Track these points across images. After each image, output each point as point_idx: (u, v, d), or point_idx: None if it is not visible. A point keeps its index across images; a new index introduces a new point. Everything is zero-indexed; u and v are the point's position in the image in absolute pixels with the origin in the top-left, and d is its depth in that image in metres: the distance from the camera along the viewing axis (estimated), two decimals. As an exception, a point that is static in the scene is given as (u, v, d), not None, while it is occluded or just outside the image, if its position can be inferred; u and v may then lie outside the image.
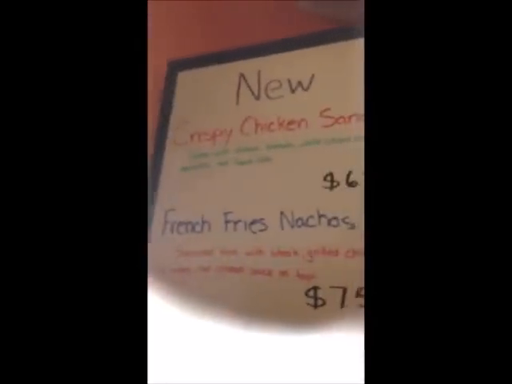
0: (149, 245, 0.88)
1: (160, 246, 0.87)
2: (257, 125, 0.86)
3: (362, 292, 0.66)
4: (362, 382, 0.38)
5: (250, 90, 0.89)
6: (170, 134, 0.95)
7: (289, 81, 0.85)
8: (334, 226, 0.72)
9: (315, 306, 0.69)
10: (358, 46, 0.77)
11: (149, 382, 0.42)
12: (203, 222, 0.84)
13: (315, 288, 0.70)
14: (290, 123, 0.82)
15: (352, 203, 0.71)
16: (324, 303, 0.68)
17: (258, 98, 0.88)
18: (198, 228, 0.84)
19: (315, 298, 0.69)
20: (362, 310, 0.66)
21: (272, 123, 0.84)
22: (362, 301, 0.66)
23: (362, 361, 0.38)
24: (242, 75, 0.91)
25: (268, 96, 0.87)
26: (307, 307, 0.69)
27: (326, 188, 0.74)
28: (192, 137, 0.92)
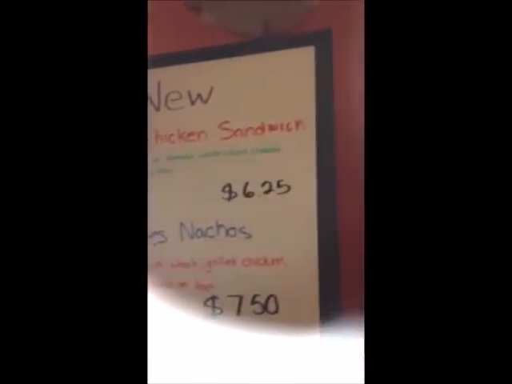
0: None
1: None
2: (157, 136, 0.87)
3: (257, 299, 0.70)
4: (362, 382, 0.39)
5: (151, 100, 0.90)
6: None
7: (189, 92, 0.87)
8: (232, 236, 0.74)
9: (213, 314, 0.71)
10: (256, 60, 0.81)
11: (149, 382, 0.41)
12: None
13: (213, 298, 0.72)
14: (189, 135, 0.84)
15: (248, 213, 0.74)
16: (221, 312, 0.71)
17: (158, 108, 0.89)
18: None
19: (213, 307, 0.71)
20: (257, 316, 0.69)
21: (172, 134, 0.86)
22: (257, 308, 0.69)
23: (362, 362, 0.39)
24: (142, 85, 0.92)
25: (168, 107, 0.88)
26: (205, 317, 0.71)
27: (224, 199, 0.77)
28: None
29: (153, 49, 0.92)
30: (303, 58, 0.77)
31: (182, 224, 0.79)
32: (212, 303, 0.72)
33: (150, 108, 0.89)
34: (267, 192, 0.74)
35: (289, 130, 0.75)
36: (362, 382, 0.38)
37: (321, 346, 0.65)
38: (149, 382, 0.42)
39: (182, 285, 0.75)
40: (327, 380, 0.62)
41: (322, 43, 0.76)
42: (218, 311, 0.71)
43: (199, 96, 0.86)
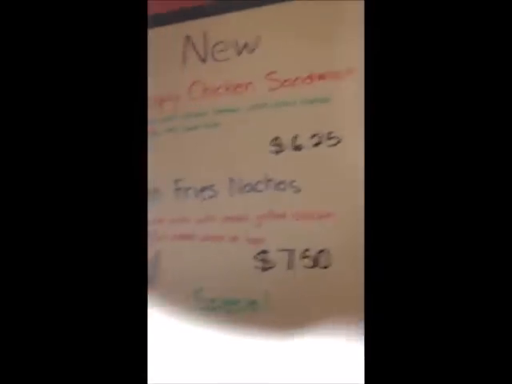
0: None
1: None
2: (204, 89, 0.86)
3: (308, 253, 0.70)
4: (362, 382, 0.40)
5: (197, 52, 0.89)
6: (116, 100, 0.94)
7: (235, 42, 0.85)
8: (281, 190, 0.74)
9: (263, 268, 0.72)
10: (303, 6, 0.77)
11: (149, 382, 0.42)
12: (154, 191, 0.85)
13: (264, 252, 0.73)
14: (236, 87, 0.83)
15: (298, 167, 0.73)
16: (272, 266, 0.71)
17: (204, 60, 0.88)
18: (148, 197, 0.85)
19: (263, 260, 0.72)
20: (308, 270, 0.70)
21: (219, 87, 0.85)
22: (307, 262, 0.70)
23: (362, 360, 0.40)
24: (187, 37, 0.90)
25: (215, 59, 0.87)
26: (256, 270, 0.73)
27: (272, 152, 0.76)
28: (139, 103, 0.91)
29: (197, -2, 0.90)
30: (353, 5, 0.72)
31: (231, 179, 0.79)
32: (262, 257, 0.72)
33: (196, 60, 0.88)
34: (317, 145, 0.73)
35: (339, 78, 0.72)
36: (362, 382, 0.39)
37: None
38: (149, 382, 0.42)
39: (234, 239, 0.76)
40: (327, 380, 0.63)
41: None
42: (268, 265, 0.72)
43: (246, 46, 0.84)
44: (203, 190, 0.81)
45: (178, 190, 0.84)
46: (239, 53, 0.84)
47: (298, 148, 0.74)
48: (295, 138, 0.75)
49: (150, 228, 0.83)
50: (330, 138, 0.72)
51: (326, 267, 0.69)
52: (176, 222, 0.82)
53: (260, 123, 0.79)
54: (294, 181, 0.73)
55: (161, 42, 0.92)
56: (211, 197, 0.80)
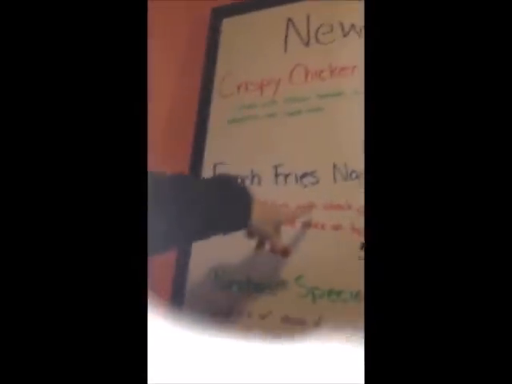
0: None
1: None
2: (306, 73, 0.85)
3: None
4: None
5: (299, 35, 0.87)
6: (216, 85, 0.95)
7: (341, 24, 0.82)
8: (391, 179, 0.71)
9: (370, 260, 0.70)
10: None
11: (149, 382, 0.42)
12: (253, 176, 0.86)
13: (370, 242, 0.70)
14: (342, 70, 0.80)
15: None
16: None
17: (307, 44, 0.86)
18: (247, 181, 0.86)
19: (370, 252, 0.70)
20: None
21: (323, 71, 0.83)
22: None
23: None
24: (289, 20, 0.89)
25: (318, 41, 0.85)
26: (360, 262, 0.70)
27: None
28: (239, 87, 0.92)
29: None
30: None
31: (334, 165, 0.77)
32: (369, 248, 0.70)
33: (298, 43, 0.87)
34: (432, 131, 0.69)
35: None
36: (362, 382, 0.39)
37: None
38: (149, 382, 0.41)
39: (336, 227, 0.74)
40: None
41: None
42: (375, 256, 0.69)
43: (353, 27, 0.81)
44: (304, 176, 0.80)
45: (277, 175, 0.83)
46: (345, 34, 0.82)
47: (409, 134, 0.71)
48: (408, 123, 0.71)
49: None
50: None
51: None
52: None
53: (367, 108, 0.75)
54: (404, 169, 0.70)
55: (262, 26, 0.92)
56: (313, 183, 0.79)
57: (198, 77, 0.97)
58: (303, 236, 0.77)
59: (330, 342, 0.66)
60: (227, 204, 0.57)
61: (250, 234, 0.66)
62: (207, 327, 0.76)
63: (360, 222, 0.72)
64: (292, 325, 0.74)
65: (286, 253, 0.68)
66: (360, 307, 0.69)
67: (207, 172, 0.91)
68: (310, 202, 0.78)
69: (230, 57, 0.95)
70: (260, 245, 0.68)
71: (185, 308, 0.85)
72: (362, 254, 0.71)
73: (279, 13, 0.90)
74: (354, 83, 0.78)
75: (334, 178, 0.77)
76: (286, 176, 0.82)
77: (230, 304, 0.81)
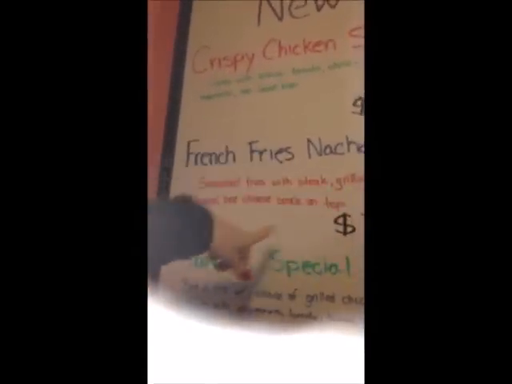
0: (172, 178, 0.91)
1: (184, 178, 0.90)
2: (280, 48, 0.85)
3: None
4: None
5: (273, 9, 0.87)
6: (189, 60, 0.94)
7: (315, -2, 0.83)
8: (364, 153, 0.72)
9: (344, 232, 0.72)
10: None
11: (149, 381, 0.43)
12: (228, 153, 0.86)
13: (344, 215, 0.72)
14: (316, 45, 0.81)
15: (383, 128, 0.71)
16: (354, 229, 0.71)
17: (281, 18, 0.86)
18: (222, 159, 0.86)
19: (344, 225, 0.72)
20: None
21: (297, 46, 0.83)
22: (392, 227, 0.68)
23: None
24: (263, -7, 0.89)
25: (292, 16, 0.85)
26: (336, 234, 0.72)
27: (356, 113, 0.74)
28: (212, 63, 0.91)
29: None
30: None
31: (309, 140, 0.78)
32: (343, 221, 0.72)
33: (272, 18, 0.87)
34: (405, 105, 0.70)
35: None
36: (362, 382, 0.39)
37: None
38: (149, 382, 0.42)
39: (311, 202, 0.76)
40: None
41: None
42: (349, 229, 0.71)
43: (326, 0, 0.81)
44: (279, 152, 0.81)
45: (252, 152, 0.84)
46: (319, 8, 0.82)
47: (383, 108, 0.72)
48: (381, 97, 0.72)
49: (223, 190, 0.84)
50: (420, 98, 0.69)
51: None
52: (251, 185, 0.82)
53: (341, 83, 0.77)
54: (378, 143, 0.71)
55: (235, 1, 0.91)
56: (288, 159, 0.80)
57: (169, 52, 0.96)
58: (268, 264, 0.77)
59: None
60: (188, 228, 0.58)
61: (213, 256, 0.65)
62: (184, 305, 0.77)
63: (334, 196, 0.74)
64: (268, 298, 0.76)
65: (247, 277, 0.68)
66: (334, 279, 0.71)
67: (181, 149, 0.91)
68: (285, 177, 0.79)
69: (202, 31, 0.94)
70: (223, 266, 0.67)
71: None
72: (338, 227, 0.72)
73: (252, -14, 0.90)
74: (329, 58, 0.79)
75: (309, 154, 0.78)
76: (261, 152, 0.83)
77: (206, 280, 0.82)
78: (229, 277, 0.79)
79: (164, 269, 0.86)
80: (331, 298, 0.71)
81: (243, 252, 0.67)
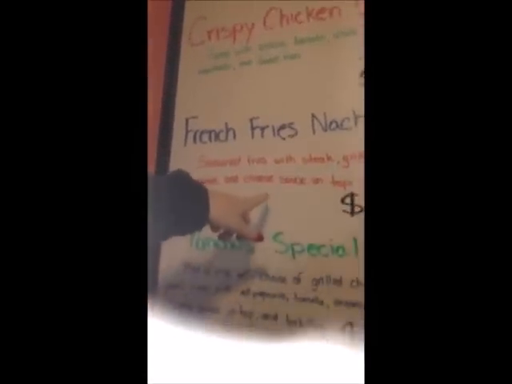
0: (171, 156, 0.88)
1: (183, 156, 0.86)
2: (282, 16, 0.80)
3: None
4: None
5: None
6: (185, 32, 0.90)
7: (317, -39, 0.77)
8: (373, 128, 0.69)
9: (352, 212, 0.68)
10: None
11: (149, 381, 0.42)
12: (228, 130, 0.82)
13: (352, 195, 0.69)
14: (320, 12, 0.76)
15: (393, 101, 0.67)
16: (362, 210, 0.68)
17: (282, -16, 0.81)
18: (222, 136, 0.83)
19: (352, 204, 0.68)
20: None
21: (299, 13, 0.78)
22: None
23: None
24: (262, -41, 0.83)
25: (294, -19, 0.80)
26: (343, 214, 0.69)
27: (362, 85, 0.70)
28: (209, 34, 0.87)
29: None
30: None
31: (313, 115, 0.74)
32: (351, 200, 0.69)
33: (272, -15, 0.82)
34: (416, 75, 0.66)
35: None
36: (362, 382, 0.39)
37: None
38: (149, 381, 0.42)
39: (317, 181, 0.72)
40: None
41: None
42: (358, 209, 0.68)
43: (331, -36, 0.76)
44: (282, 128, 0.77)
45: (254, 128, 0.80)
46: (323, -27, 0.77)
47: (392, 80, 0.68)
48: (390, 68, 0.68)
49: (224, 169, 0.81)
50: (433, 67, 0.65)
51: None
52: (252, 163, 0.79)
53: (348, 53, 0.72)
54: (387, 117, 0.68)
55: (232, -35, 0.86)
56: (291, 136, 0.76)
57: (165, 25, 0.92)
58: (266, 209, 0.75)
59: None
60: (185, 205, 0.57)
61: (214, 228, 0.64)
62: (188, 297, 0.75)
63: (341, 175, 0.70)
64: (272, 282, 0.73)
65: (259, 239, 0.67)
66: (341, 261, 0.68)
67: (179, 127, 0.87)
68: (288, 155, 0.76)
69: (199, 1, 0.89)
70: (225, 235, 0.66)
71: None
72: (345, 207, 0.69)
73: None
74: (334, 26, 0.74)
75: (313, 130, 0.74)
76: (263, 129, 0.79)
77: (207, 261, 0.79)
78: (231, 258, 0.77)
79: (164, 251, 0.84)
80: (338, 282, 0.68)
81: (244, 218, 0.66)
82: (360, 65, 0.70)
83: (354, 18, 0.72)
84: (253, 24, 0.83)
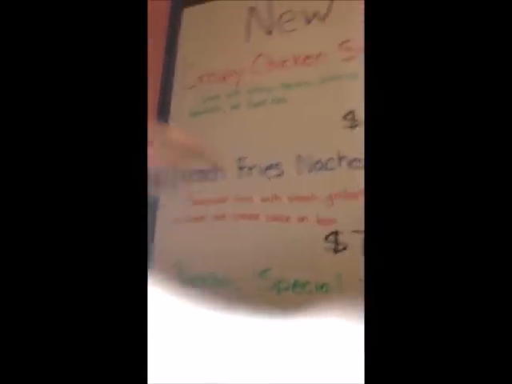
0: (161, 195, 0.89)
1: (173, 195, 0.88)
2: (270, 62, 0.84)
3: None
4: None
5: (261, 24, 0.87)
6: (177, 76, 0.94)
7: (304, 12, 0.82)
8: (356, 168, 0.71)
9: (335, 250, 0.70)
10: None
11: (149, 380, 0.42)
12: (216, 169, 0.84)
13: (336, 233, 0.70)
14: (306, 58, 0.80)
15: (374, 142, 0.70)
16: (345, 247, 0.69)
17: (270, 32, 0.86)
18: (211, 175, 0.85)
19: (336, 242, 0.70)
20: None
21: (286, 60, 0.82)
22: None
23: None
24: (251, 8, 0.88)
25: (281, 30, 0.84)
26: (327, 252, 0.70)
27: (346, 128, 0.73)
28: (201, 79, 0.91)
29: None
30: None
31: (299, 156, 0.77)
32: (334, 239, 0.70)
33: (261, 32, 0.86)
34: (396, 118, 0.69)
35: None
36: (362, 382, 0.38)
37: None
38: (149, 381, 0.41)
39: (301, 219, 0.74)
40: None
41: None
42: (341, 247, 0.69)
43: (316, 14, 0.81)
44: (268, 168, 0.79)
45: (241, 168, 0.82)
46: (308, 22, 0.81)
47: (374, 122, 0.71)
48: (372, 111, 0.71)
49: (212, 207, 0.82)
50: (411, 111, 0.68)
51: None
52: (240, 202, 0.80)
53: (332, 97, 0.76)
54: (369, 158, 0.70)
55: (224, 15, 0.91)
56: (277, 175, 0.78)
57: (158, 68, 0.96)
58: None
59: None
60: None
61: None
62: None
63: (325, 213, 0.72)
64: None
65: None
66: (325, 298, 0.68)
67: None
68: (274, 194, 0.78)
69: (191, 47, 0.94)
70: None
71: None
72: (328, 244, 0.70)
73: (241, 1, 0.89)
74: (319, 72, 0.78)
75: (299, 170, 0.76)
76: (251, 169, 0.81)
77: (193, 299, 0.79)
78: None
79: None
80: (323, 320, 0.68)
81: None
82: (344, 107, 0.74)
83: (339, 63, 0.76)
84: (242, 70, 0.87)
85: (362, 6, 0.70)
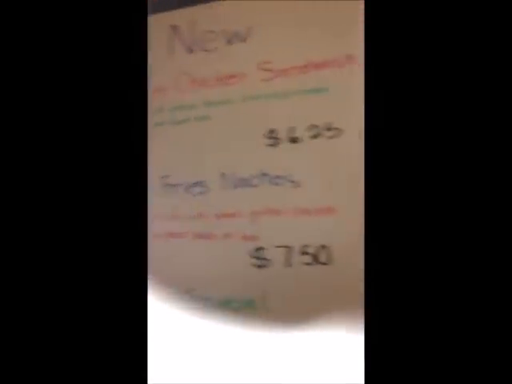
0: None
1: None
2: (192, 81, 0.85)
3: (307, 250, 0.69)
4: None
5: (183, 42, 0.87)
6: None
7: (225, 31, 0.84)
8: (278, 185, 0.73)
9: (260, 266, 0.71)
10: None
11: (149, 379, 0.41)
12: (140, 188, 0.83)
13: (260, 249, 0.72)
14: (228, 78, 0.82)
15: (295, 160, 0.72)
16: (269, 263, 0.70)
17: (192, 51, 0.86)
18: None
19: (260, 258, 0.71)
20: (308, 267, 0.69)
21: (209, 78, 0.83)
22: (307, 258, 0.69)
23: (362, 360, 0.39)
24: (173, 27, 0.89)
25: (203, 49, 0.85)
26: (252, 268, 0.71)
27: (268, 145, 0.75)
28: (122, 96, 0.89)
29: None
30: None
31: (223, 174, 0.78)
32: (259, 254, 0.71)
33: (183, 51, 0.87)
34: (315, 137, 0.72)
35: (338, 67, 0.72)
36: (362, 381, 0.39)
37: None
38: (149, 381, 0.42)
39: (226, 236, 0.75)
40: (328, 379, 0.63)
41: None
42: (265, 262, 0.71)
43: (237, 34, 0.82)
44: (193, 185, 0.80)
45: (166, 186, 0.82)
46: (230, 42, 0.83)
47: (294, 140, 0.73)
48: (292, 129, 0.74)
49: (136, 227, 0.81)
50: (329, 130, 0.71)
51: (325, 264, 0.68)
52: (165, 220, 0.80)
53: (254, 115, 0.78)
54: (291, 175, 0.72)
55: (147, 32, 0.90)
56: (202, 193, 0.79)
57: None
58: None
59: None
60: None
61: None
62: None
63: (250, 229, 0.73)
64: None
65: None
66: (251, 315, 0.70)
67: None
68: (199, 212, 0.78)
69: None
70: None
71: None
72: (254, 261, 0.72)
73: (163, 19, 0.90)
74: (241, 91, 0.80)
75: (224, 187, 0.77)
76: (174, 186, 0.81)
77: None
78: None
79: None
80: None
81: None
82: (265, 126, 0.76)
83: (259, 84, 0.78)
84: (165, 87, 0.87)
85: (282, 27, 0.73)
